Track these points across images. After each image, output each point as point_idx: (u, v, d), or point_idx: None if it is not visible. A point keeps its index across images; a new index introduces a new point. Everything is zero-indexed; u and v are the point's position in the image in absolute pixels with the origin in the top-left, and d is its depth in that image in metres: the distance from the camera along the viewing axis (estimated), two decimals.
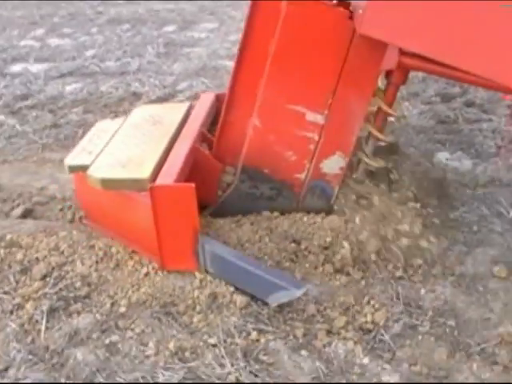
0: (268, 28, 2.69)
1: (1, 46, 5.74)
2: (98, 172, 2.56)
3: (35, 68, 5.07)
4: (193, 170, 2.73)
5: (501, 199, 2.99)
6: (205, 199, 2.85)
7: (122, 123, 3.01)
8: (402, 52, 2.66)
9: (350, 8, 2.56)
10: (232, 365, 2.07)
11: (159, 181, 2.48)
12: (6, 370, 2.09)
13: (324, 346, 2.16)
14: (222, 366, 2.07)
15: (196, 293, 2.39)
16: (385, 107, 2.79)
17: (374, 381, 2.03)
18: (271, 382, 2.02)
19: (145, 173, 2.51)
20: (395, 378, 2.03)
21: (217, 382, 2.01)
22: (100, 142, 2.81)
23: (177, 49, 5.38)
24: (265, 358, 2.12)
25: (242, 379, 2.02)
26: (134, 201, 2.57)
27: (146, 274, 2.51)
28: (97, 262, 2.58)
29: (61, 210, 3.06)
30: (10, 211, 3.04)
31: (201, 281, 2.44)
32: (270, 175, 2.89)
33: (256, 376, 2.03)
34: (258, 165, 2.88)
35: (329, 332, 2.22)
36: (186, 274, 2.48)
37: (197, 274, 2.46)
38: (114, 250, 2.64)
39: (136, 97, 4.38)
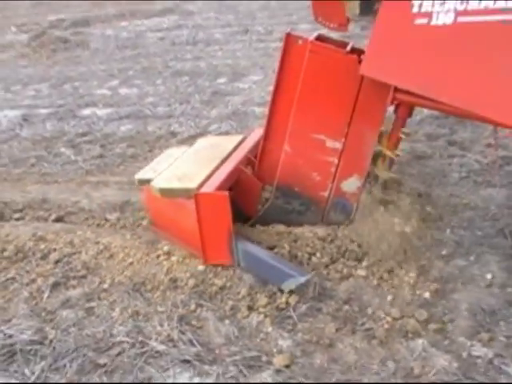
0: (295, 72, 3.20)
1: (80, 93, 6.82)
2: (158, 183, 3.20)
3: (101, 112, 6.06)
4: (238, 188, 3.31)
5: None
6: (248, 212, 3.46)
7: (185, 150, 3.68)
8: (396, 89, 3.07)
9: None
10: (168, 325, 2.71)
11: (202, 190, 3.04)
12: (10, 320, 2.85)
13: (243, 318, 2.74)
14: (161, 325, 2.71)
15: (162, 277, 3.06)
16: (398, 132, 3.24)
17: (272, 344, 2.59)
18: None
19: (193, 184, 3.09)
20: (288, 343, 2.58)
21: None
22: (165, 163, 3.47)
23: (220, 97, 6.19)
24: (195, 322, 2.73)
25: (173, 335, 2.65)
26: (184, 207, 3.14)
27: (131, 263, 3.21)
28: (97, 253, 3.33)
29: (86, 218, 3.86)
30: (47, 217, 3.88)
31: (168, 269, 3.11)
32: (299, 193, 3.36)
33: (183, 334, 2.66)
34: (289, 184, 3.35)
35: (250, 308, 2.79)
36: (159, 264, 3.17)
37: (165, 262, 3.16)
38: (112, 245, 3.37)
39: (172, 135, 5.18)
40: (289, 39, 3.21)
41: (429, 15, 2.68)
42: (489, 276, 2.92)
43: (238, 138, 3.78)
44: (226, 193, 2.97)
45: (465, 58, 2.66)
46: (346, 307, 2.78)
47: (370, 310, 2.75)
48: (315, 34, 3.22)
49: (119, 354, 2.59)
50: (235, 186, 3.31)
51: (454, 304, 2.74)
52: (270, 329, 2.66)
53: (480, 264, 3.03)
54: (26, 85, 7.55)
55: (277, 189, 3.38)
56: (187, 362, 2.51)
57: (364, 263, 3.06)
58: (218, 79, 6.93)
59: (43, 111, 6.27)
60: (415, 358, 2.45)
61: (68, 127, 5.67)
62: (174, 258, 3.19)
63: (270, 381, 2.39)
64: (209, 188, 3.06)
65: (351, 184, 3.30)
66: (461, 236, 3.27)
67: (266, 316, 2.72)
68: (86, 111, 6.16)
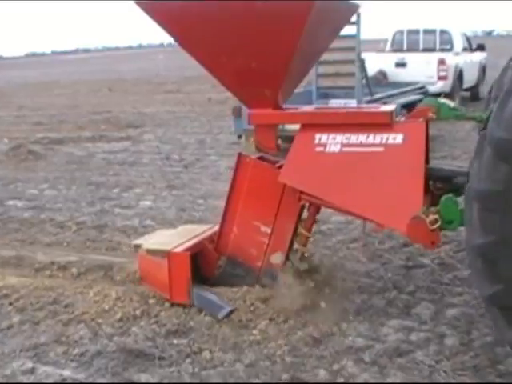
0: (243, 179, 4.22)
1: (17, 191, 9.06)
2: (146, 245, 4.62)
3: (19, 203, 8.52)
4: (201, 257, 4.42)
5: None
6: (207, 274, 4.49)
7: (171, 230, 5.24)
8: (302, 192, 3.97)
9: None
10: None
11: (173, 250, 4.24)
12: None
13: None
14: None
15: (22, 292, 5.21)
16: (304, 232, 4.27)
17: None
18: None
19: (169, 247, 4.35)
20: None
21: None
22: (156, 236, 5.06)
23: (105, 200, 8.21)
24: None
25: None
26: (162, 264, 4.29)
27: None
28: None
29: None
30: None
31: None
32: (242, 262, 4.31)
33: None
34: (236, 256, 4.32)
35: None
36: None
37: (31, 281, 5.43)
38: None
39: (50, 221, 7.49)
40: (240, 157, 4.35)
41: (324, 145, 3.72)
42: None
43: (209, 226, 4.99)
44: (188, 253, 4.16)
45: (347, 175, 3.68)
46: None
47: None
48: (258, 155, 4.44)
49: None
50: (200, 256, 4.45)
51: None
52: None
53: None
54: None
55: (227, 259, 4.41)
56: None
57: None
58: (114, 189, 9.18)
59: None
60: None
61: None
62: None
63: None
64: (177, 250, 4.32)
65: (277, 258, 4.30)
66: None
67: None
68: (10, 202, 8.63)
